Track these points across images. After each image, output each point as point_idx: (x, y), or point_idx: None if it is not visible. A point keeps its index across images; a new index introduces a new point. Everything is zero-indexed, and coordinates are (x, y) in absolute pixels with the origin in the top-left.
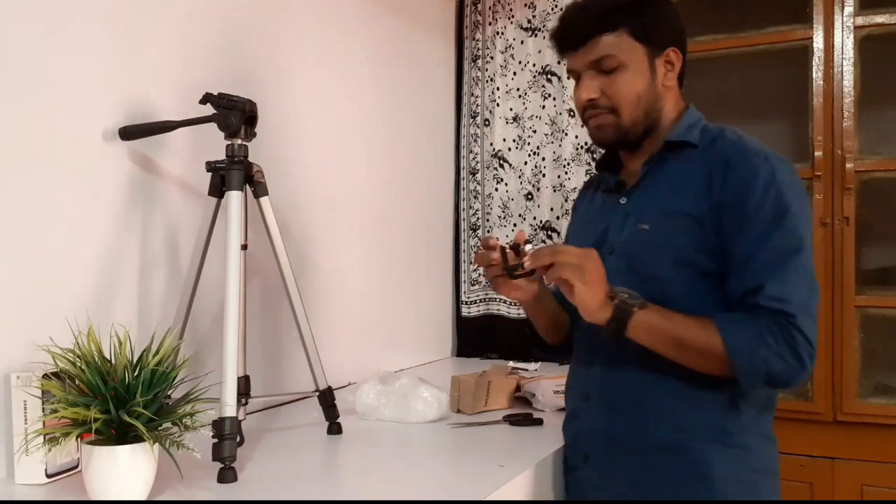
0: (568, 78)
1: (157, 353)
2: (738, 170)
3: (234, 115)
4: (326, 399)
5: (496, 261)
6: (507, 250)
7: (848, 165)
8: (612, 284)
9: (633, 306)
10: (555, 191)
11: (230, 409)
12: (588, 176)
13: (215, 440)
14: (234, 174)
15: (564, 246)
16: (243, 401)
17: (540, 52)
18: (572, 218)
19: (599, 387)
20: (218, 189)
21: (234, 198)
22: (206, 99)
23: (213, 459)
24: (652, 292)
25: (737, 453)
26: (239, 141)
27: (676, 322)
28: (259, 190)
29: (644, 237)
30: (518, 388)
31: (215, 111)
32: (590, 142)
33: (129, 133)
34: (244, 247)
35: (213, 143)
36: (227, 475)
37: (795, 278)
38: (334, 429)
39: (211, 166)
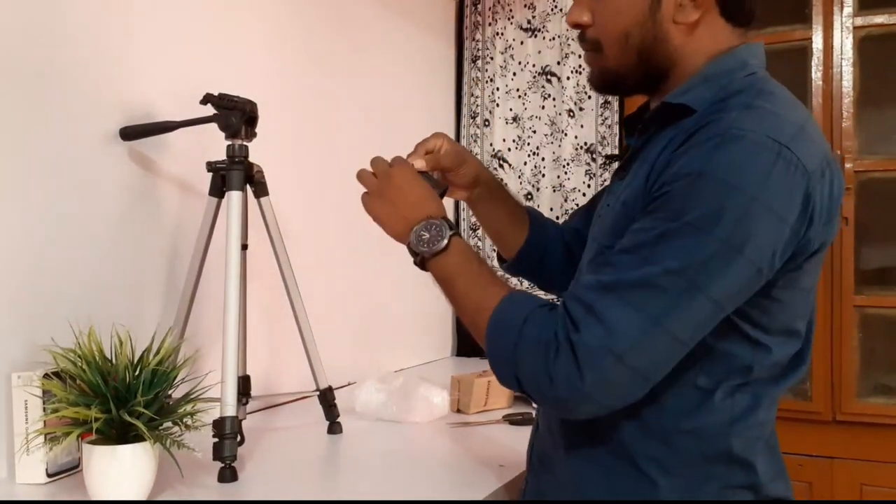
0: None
1: (157, 352)
2: (690, 145)
3: (235, 115)
4: (326, 399)
5: None
6: None
7: (847, 165)
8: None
9: (419, 255)
10: (554, 191)
11: (230, 409)
12: (588, 176)
13: (216, 440)
14: (234, 174)
15: (375, 163)
16: (243, 400)
17: (540, 52)
18: None
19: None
20: (218, 189)
21: (234, 198)
22: (207, 99)
23: (214, 459)
24: None
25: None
26: (239, 141)
27: (473, 281)
28: (259, 190)
29: (595, 228)
30: None
31: (216, 111)
32: (590, 141)
33: (130, 133)
34: (244, 247)
35: (214, 143)
36: (227, 474)
37: (630, 294)
38: (334, 428)
39: (211, 166)
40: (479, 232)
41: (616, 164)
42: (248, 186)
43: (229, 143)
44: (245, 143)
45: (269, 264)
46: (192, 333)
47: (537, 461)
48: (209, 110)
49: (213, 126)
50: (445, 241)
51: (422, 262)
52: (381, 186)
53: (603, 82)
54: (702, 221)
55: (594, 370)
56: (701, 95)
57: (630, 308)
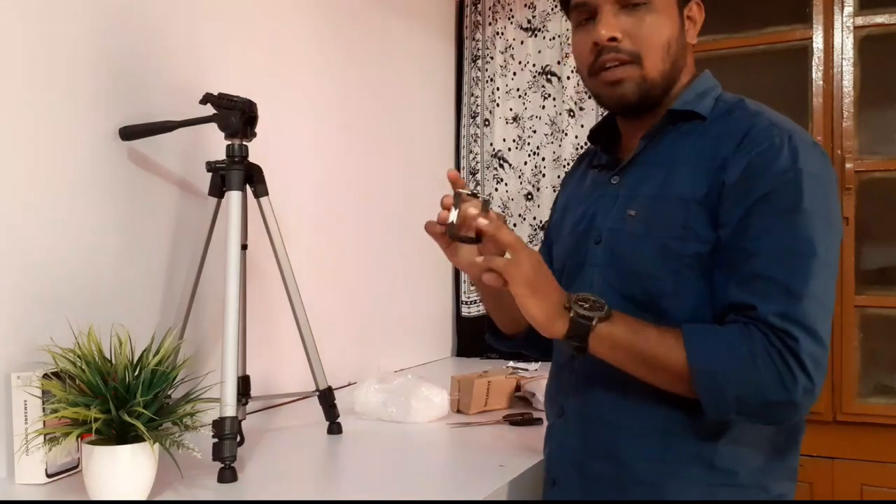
0: (573, 21)
1: (157, 352)
2: (755, 145)
3: (234, 115)
4: (326, 399)
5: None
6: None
7: (848, 165)
8: (591, 281)
9: (592, 319)
10: (555, 191)
11: (230, 409)
12: None
13: (215, 440)
14: (234, 174)
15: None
16: (243, 401)
17: (540, 52)
18: (557, 198)
19: (574, 400)
20: (218, 189)
21: (234, 198)
22: (206, 99)
23: (214, 459)
24: (636, 292)
25: (729, 493)
26: (239, 141)
27: (647, 336)
28: (259, 190)
29: (630, 225)
30: (518, 388)
31: (215, 111)
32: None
33: (130, 133)
34: (244, 247)
35: (213, 143)
36: (227, 475)
37: (802, 289)
38: (334, 429)
39: (211, 166)
40: None
41: (581, 160)
42: (248, 186)
43: (229, 142)
44: (245, 142)
45: (269, 264)
46: (191, 333)
47: (575, 473)
48: (209, 110)
49: (213, 126)
50: (604, 307)
51: (583, 339)
52: (523, 283)
53: (640, 93)
54: (812, 205)
55: (821, 374)
56: (704, 106)
57: (818, 302)
